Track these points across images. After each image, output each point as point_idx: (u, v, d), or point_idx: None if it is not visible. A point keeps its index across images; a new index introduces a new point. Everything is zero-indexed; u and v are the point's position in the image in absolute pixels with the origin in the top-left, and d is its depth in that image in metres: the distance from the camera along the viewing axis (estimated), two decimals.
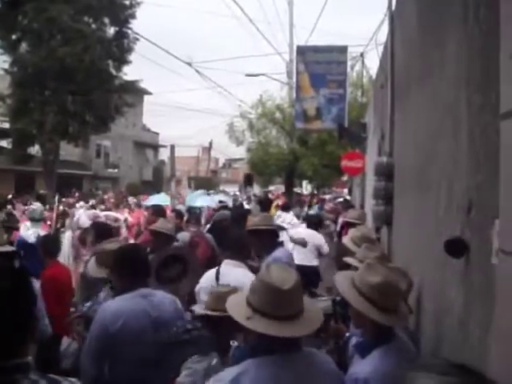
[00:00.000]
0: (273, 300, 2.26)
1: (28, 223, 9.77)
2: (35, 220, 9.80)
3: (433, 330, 3.14)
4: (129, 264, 3.77)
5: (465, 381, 1.21)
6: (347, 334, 3.59)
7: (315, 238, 9.97)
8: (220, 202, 15.35)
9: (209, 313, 3.18)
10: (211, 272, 4.97)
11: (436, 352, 2.94)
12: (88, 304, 4.51)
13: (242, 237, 5.24)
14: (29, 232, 9.20)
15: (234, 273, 4.75)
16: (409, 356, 2.64)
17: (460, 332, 2.39)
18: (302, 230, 10.38)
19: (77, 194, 19.84)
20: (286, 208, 14.63)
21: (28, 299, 1.73)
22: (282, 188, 30.24)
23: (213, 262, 5.89)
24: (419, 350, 3.29)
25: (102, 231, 5.97)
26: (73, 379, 1.86)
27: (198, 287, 4.86)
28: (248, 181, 29.21)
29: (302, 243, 9.99)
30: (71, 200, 16.68)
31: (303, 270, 8.81)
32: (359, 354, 2.75)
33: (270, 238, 5.23)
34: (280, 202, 17.21)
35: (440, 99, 3.16)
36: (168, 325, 3.65)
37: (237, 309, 2.36)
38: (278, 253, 5.05)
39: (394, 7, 6.96)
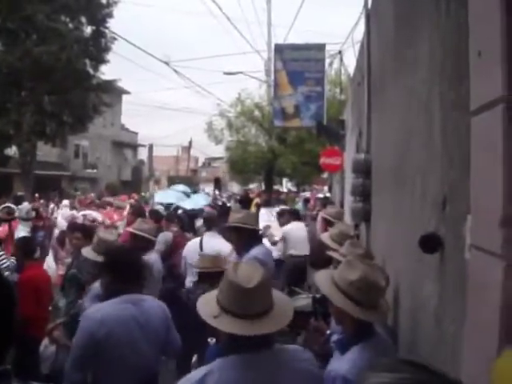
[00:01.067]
0: (238, 298, 2.24)
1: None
2: (23, 219, 9.89)
3: (410, 326, 3.15)
4: (119, 268, 3.61)
5: (416, 377, 1.20)
6: (328, 332, 3.61)
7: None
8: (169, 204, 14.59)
9: (198, 270, 4.65)
10: (195, 241, 6.73)
11: (413, 349, 2.95)
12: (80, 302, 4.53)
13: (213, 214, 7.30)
14: (19, 231, 9.28)
15: (213, 242, 6.35)
16: (387, 353, 2.66)
17: (436, 329, 2.40)
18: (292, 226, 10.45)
19: (37, 195, 19.55)
20: (267, 205, 14.72)
21: (9, 302, 1.66)
22: (261, 186, 30.42)
23: None
24: (398, 346, 3.31)
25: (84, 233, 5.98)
26: None
27: (184, 253, 6.59)
28: (217, 185, 31.94)
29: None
30: (36, 203, 16.48)
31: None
32: (339, 350, 2.76)
33: (249, 235, 5.22)
34: (259, 200, 17.24)
35: (415, 95, 3.18)
36: (157, 331, 3.58)
37: (206, 307, 2.33)
38: (255, 250, 5.04)
39: (369, 5, 7.00)
